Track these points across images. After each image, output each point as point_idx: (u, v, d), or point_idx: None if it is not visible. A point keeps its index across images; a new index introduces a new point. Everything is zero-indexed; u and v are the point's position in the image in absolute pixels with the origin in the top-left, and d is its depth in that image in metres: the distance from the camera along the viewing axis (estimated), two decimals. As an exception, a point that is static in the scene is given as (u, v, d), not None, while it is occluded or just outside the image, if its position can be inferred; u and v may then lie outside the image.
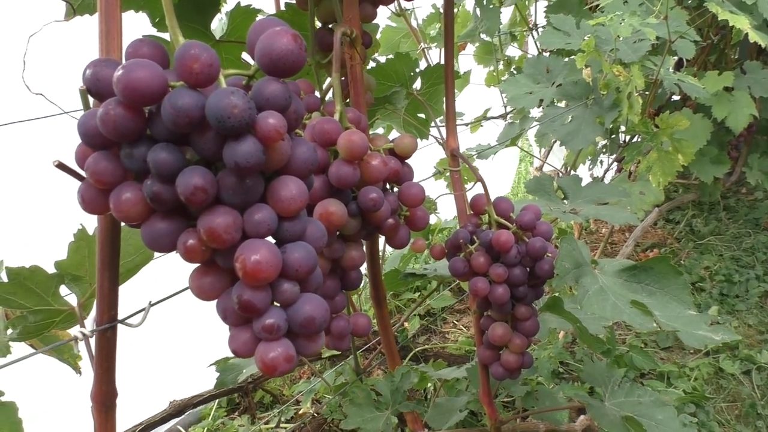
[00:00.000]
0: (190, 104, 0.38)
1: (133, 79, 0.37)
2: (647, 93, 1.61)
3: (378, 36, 1.73)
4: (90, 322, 0.60)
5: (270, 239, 0.44)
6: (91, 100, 0.43)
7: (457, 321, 2.31)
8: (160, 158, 0.39)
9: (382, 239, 0.95)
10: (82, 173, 0.43)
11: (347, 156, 0.58)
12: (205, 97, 0.38)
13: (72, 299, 0.71)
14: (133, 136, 0.40)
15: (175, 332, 1.66)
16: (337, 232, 0.64)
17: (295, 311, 0.44)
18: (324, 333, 0.47)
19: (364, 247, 0.80)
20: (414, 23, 1.98)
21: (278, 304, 0.44)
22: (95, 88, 0.41)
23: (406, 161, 0.68)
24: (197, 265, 0.45)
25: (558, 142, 1.54)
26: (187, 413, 1.54)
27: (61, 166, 0.43)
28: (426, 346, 2.10)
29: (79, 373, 0.88)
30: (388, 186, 0.69)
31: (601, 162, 2.53)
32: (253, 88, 0.41)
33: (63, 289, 0.70)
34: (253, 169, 0.39)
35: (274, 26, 0.41)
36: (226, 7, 0.96)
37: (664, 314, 0.78)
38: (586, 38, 1.36)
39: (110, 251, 0.52)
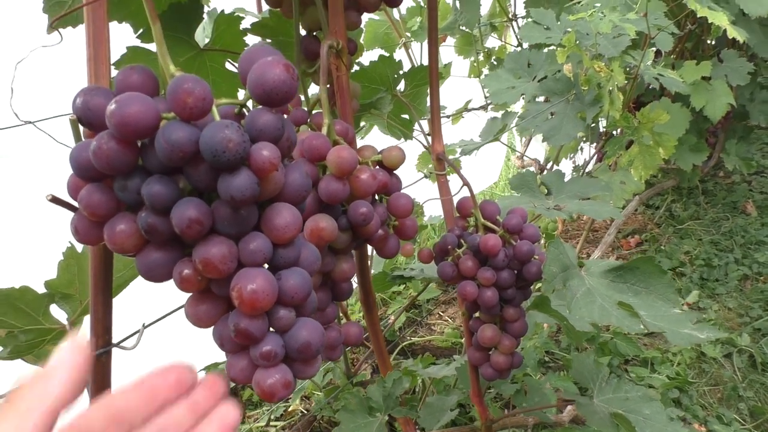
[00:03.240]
0: (184, 138, 0.38)
1: (127, 115, 0.37)
2: (627, 82, 1.63)
3: (363, 30, 1.72)
4: (83, 343, 0.59)
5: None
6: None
7: (442, 312, 2.32)
8: (154, 191, 0.39)
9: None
10: (75, 204, 0.43)
11: (337, 172, 0.58)
12: (199, 130, 0.38)
13: (61, 315, 0.70)
14: (127, 168, 0.40)
15: (164, 336, 1.65)
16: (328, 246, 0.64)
17: (292, 337, 0.44)
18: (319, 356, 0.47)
19: (354, 254, 0.80)
20: (396, 15, 1.98)
21: (274, 330, 0.45)
22: (86, 117, 0.40)
23: (394, 172, 0.68)
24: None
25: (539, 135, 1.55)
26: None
27: (55, 200, 0.43)
28: (413, 339, 2.11)
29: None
30: (377, 197, 0.69)
31: (582, 149, 2.55)
32: (246, 118, 0.41)
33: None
34: (248, 201, 0.40)
35: (266, 55, 0.41)
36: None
37: (650, 313, 0.79)
38: (566, 32, 1.37)
39: (104, 277, 0.52)
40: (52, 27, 0.54)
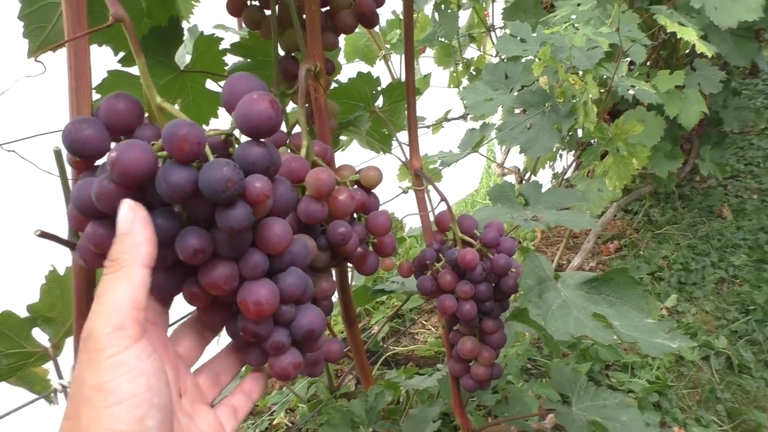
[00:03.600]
0: (184, 180, 0.40)
1: (127, 163, 0.38)
2: (603, 96, 1.66)
3: (340, 45, 1.74)
4: (66, 367, 0.60)
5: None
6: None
7: (425, 321, 2.34)
8: (157, 225, 0.41)
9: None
10: (64, 237, 0.44)
11: (315, 194, 0.59)
12: (196, 170, 0.40)
13: (44, 339, 0.71)
14: None
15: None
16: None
17: (296, 327, 0.50)
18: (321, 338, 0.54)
19: (334, 271, 0.81)
20: (376, 28, 2.00)
21: (279, 324, 0.50)
22: (76, 150, 0.42)
23: (372, 191, 0.70)
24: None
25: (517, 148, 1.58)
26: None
27: (44, 235, 0.44)
28: (396, 349, 2.12)
29: (54, 403, 0.88)
30: (355, 216, 0.70)
31: (561, 156, 2.59)
32: (237, 152, 0.43)
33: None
34: (246, 230, 0.42)
35: (249, 86, 0.43)
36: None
37: (624, 324, 0.81)
38: (542, 44, 1.40)
39: (87, 298, 0.53)
40: (35, 54, 0.55)
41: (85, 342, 0.36)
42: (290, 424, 1.67)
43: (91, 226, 0.42)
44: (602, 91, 1.56)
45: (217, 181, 0.39)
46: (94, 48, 0.80)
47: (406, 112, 0.95)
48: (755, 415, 1.84)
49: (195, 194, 0.41)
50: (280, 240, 0.46)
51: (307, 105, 0.77)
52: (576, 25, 1.28)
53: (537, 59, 1.36)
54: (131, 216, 0.38)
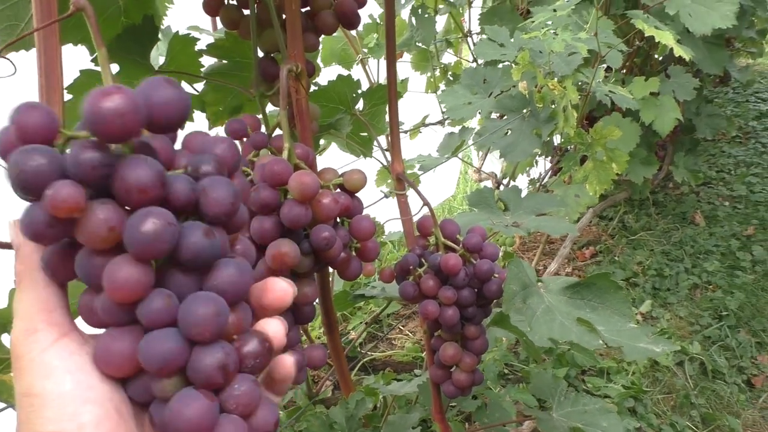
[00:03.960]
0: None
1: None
2: (581, 98, 1.67)
3: (320, 46, 1.72)
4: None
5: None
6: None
7: (403, 326, 2.32)
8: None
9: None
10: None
11: (299, 197, 0.58)
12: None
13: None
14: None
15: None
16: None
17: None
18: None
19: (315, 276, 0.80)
20: (353, 32, 1.99)
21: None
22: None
23: (356, 195, 0.69)
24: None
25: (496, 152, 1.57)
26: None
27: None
28: (374, 354, 2.11)
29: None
30: (339, 220, 0.69)
31: (537, 162, 2.60)
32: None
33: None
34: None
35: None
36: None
37: (608, 328, 0.81)
38: (521, 49, 1.40)
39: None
40: (4, 53, 0.53)
41: (12, 356, 0.36)
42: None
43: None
44: (579, 97, 1.57)
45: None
46: (71, 49, 0.77)
47: (387, 115, 0.94)
48: (729, 421, 1.86)
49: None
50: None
51: (288, 108, 0.75)
52: (554, 31, 1.28)
53: (515, 64, 1.36)
54: (14, 230, 0.37)
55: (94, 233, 0.32)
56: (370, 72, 2.04)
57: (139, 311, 0.34)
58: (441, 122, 2.27)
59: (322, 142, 1.47)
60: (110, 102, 0.31)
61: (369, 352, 2.12)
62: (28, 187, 0.32)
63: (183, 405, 0.34)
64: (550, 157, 2.38)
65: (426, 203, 0.85)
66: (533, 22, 1.47)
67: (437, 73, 2.33)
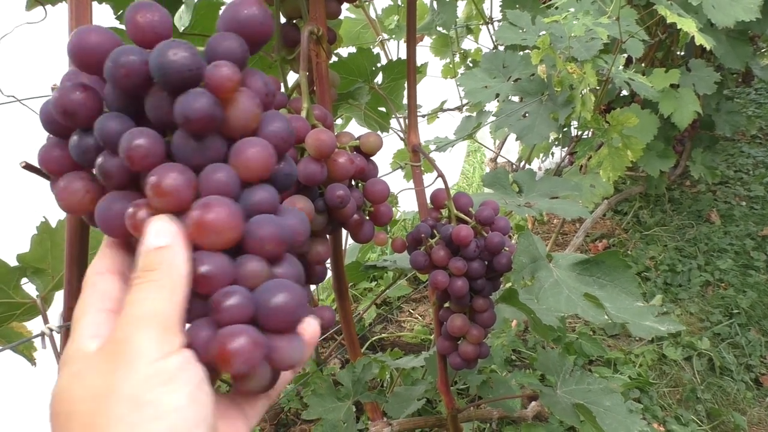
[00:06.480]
0: (131, 60, 0.35)
1: (84, 40, 0.36)
2: (598, 89, 1.67)
3: (341, 14, 1.73)
4: (54, 317, 0.60)
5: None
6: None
7: (413, 310, 2.34)
8: (107, 127, 0.36)
9: (344, 232, 0.96)
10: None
11: (315, 154, 0.59)
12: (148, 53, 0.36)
13: (32, 290, 0.70)
14: (86, 119, 0.37)
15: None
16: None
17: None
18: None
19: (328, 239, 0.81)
20: (373, 14, 1.99)
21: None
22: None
23: (371, 158, 0.70)
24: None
25: (513, 136, 1.58)
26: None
27: (29, 167, 0.43)
28: (383, 335, 2.12)
29: (34, 364, 0.87)
30: (353, 182, 0.70)
31: (553, 154, 2.59)
32: (207, 42, 0.38)
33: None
34: (204, 120, 0.36)
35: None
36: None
37: (614, 306, 0.81)
38: (541, 35, 1.40)
39: (79, 247, 0.52)
40: (32, 6, 0.55)
41: (115, 345, 0.33)
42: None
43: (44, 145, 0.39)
44: (597, 88, 1.56)
45: (167, 60, 0.34)
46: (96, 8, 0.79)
47: (405, 90, 0.95)
48: (734, 417, 1.86)
49: (147, 81, 0.36)
50: (257, 161, 0.37)
51: (307, 72, 0.76)
52: (576, 16, 1.28)
53: (536, 48, 1.36)
54: (156, 233, 0.35)
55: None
56: (390, 54, 2.04)
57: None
58: (459, 108, 2.28)
59: (339, 121, 1.48)
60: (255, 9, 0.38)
61: (378, 333, 2.14)
62: (182, 74, 0.35)
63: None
64: (566, 148, 2.38)
65: (441, 174, 0.85)
66: (556, 7, 1.47)
67: (456, 58, 2.33)
